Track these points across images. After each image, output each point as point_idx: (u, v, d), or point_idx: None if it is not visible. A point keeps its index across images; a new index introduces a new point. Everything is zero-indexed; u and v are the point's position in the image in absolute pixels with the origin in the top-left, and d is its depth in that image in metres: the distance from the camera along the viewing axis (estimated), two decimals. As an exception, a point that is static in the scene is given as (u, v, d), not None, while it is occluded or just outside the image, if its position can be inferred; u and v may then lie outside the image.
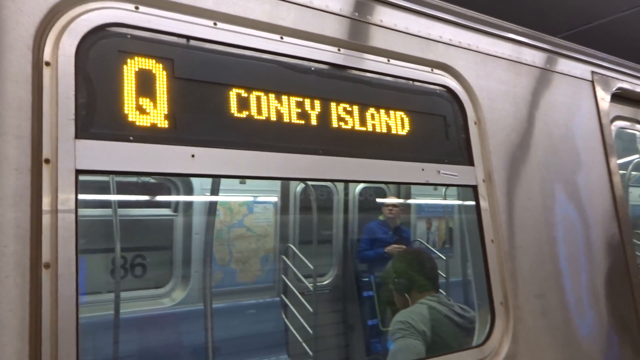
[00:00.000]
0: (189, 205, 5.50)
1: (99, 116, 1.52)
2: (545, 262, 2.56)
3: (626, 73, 3.38)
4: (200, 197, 5.50)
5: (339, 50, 2.11)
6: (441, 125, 2.37)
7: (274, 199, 6.13)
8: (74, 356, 1.34)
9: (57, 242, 1.36)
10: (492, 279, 2.31)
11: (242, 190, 5.79)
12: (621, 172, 3.31)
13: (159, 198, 5.35)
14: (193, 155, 1.64)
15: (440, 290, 3.02)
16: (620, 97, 3.32)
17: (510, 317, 2.31)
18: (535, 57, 2.84)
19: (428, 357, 2.14)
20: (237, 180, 5.46)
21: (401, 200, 7.32)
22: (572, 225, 2.75)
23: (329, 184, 6.50)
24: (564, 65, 2.98)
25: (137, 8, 1.64)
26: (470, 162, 2.40)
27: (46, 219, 1.37)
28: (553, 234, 2.63)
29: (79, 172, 1.43)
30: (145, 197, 5.18)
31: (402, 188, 7.22)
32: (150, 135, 1.59)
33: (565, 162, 2.81)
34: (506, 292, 2.33)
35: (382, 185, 7.10)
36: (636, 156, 4.08)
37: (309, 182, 5.88)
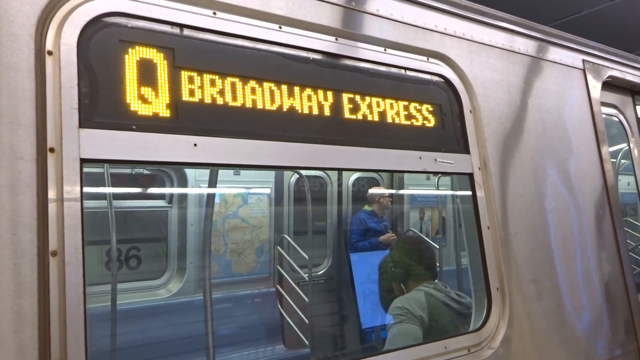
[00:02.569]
0: (183, 196, 5.50)
1: (102, 105, 1.52)
2: (539, 248, 2.60)
3: (616, 61, 3.43)
4: (194, 189, 5.50)
5: (336, 39, 2.13)
6: (437, 114, 2.39)
7: (268, 190, 6.14)
8: (83, 342, 1.36)
9: (64, 230, 1.38)
10: (488, 265, 2.35)
11: (236, 182, 5.79)
12: (612, 160, 3.36)
13: (154, 190, 5.34)
14: (195, 144, 1.66)
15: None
16: (610, 85, 3.37)
17: (506, 302, 2.36)
18: (527, 46, 2.88)
19: (427, 342, 2.18)
20: (231, 171, 5.47)
21: (393, 191, 7.36)
22: (565, 212, 2.80)
23: (322, 174, 6.51)
24: (555, 53, 3.02)
25: None
26: (466, 150, 2.43)
27: (52, 208, 1.38)
28: (547, 220, 2.68)
29: (83, 160, 1.44)
30: (140, 189, 5.17)
31: (396, 178, 7.26)
32: (153, 124, 1.60)
33: (557, 150, 2.85)
34: (502, 277, 2.37)
35: (375, 175, 7.13)
36: (625, 144, 4.12)
37: (303, 173, 5.90)
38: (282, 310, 5.85)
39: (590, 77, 3.16)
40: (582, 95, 3.11)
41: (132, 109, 1.58)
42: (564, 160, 2.88)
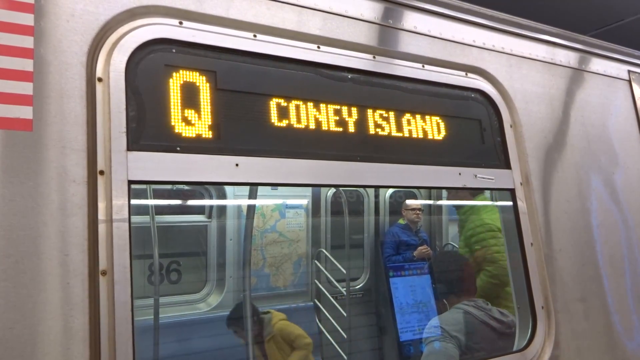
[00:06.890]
0: (222, 211, 5.59)
1: (148, 128, 1.58)
2: (585, 265, 2.53)
3: None
4: (233, 201, 5.57)
5: (374, 57, 2.14)
6: (477, 129, 2.37)
7: (305, 202, 6.16)
8: (131, 358, 1.40)
9: (113, 250, 1.43)
10: (532, 282, 2.29)
11: (273, 196, 5.84)
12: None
13: (193, 204, 5.44)
14: (237, 165, 1.69)
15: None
16: None
17: (551, 321, 2.29)
18: (569, 58, 2.82)
19: (470, 361, 2.15)
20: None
21: (431, 202, 7.26)
22: (612, 227, 2.71)
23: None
24: (599, 65, 2.94)
25: (181, 23, 1.70)
26: (507, 166, 2.39)
27: (102, 228, 1.43)
28: (593, 236, 2.60)
29: (131, 182, 1.50)
30: (180, 204, 5.28)
31: (434, 190, 7.16)
32: (196, 145, 1.65)
33: (603, 164, 2.77)
34: (547, 295, 2.31)
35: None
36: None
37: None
38: (319, 325, 5.83)
39: (636, 88, 3.07)
40: (628, 107, 3.01)
41: (176, 131, 1.63)
42: (610, 174, 2.79)
